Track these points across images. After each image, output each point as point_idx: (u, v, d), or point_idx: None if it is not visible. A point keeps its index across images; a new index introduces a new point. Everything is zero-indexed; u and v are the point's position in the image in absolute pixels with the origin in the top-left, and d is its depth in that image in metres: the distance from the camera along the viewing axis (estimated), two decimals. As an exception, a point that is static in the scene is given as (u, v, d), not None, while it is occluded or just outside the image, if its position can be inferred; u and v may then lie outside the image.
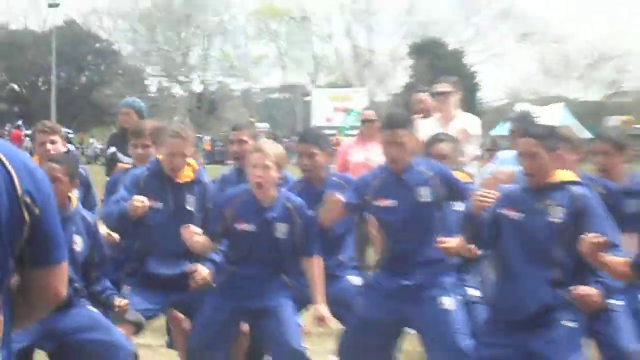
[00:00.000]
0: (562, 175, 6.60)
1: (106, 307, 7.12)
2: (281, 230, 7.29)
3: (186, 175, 7.74)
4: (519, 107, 12.51)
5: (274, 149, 7.32)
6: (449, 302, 7.03)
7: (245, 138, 8.24)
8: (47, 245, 3.27)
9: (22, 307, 3.33)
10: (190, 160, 7.77)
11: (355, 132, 12.76)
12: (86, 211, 7.22)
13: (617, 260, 6.35)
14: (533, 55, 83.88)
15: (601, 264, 6.20)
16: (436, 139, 8.16)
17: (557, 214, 6.40)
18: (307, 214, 7.38)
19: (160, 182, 7.67)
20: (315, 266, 7.29)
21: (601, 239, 5.92)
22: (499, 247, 6.72)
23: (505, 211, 6.60)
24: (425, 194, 7.05)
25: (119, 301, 7.01)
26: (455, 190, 7.14)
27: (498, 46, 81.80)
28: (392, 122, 7.28)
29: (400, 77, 79.38)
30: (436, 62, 64.50)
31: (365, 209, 7.45)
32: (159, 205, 7.63)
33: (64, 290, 3.39)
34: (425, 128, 10.00)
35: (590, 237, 5.94)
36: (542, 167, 6.50)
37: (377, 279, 7.36)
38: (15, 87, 75.35)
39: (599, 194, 6.89)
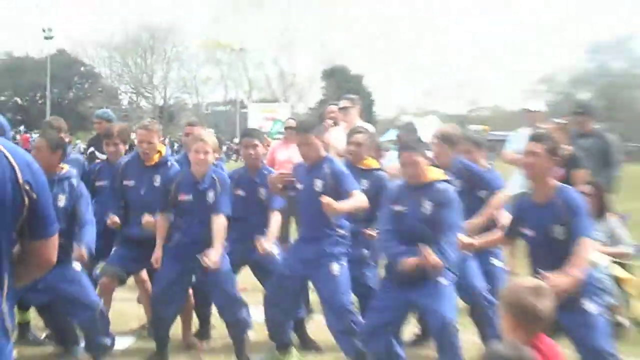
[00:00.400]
0: (432, 174, 6.66)
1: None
2: (210, 196, 7.31)
3: (154, 159, 7.82)
4: (404, 119, 12.64)
5: (211, 138, 7.44)
6: (336, 268, 7.05)
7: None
8: (41, 222, 3.26)
9: (22, 270, 3.31)
10: (160, 147, 7.93)
11: (281, 136, 12.82)
12: (75, 177, 7.23)
13: (491, 236, 6.54)
14: (414, 79, 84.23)
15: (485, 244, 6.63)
16: (354, 130, 8.15)
17: (426, 207, 6.49)
18: (227, 183, 7.43)
19: (135, 165, 7.85)
20: (218, 222, 7.22)
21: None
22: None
23: (393, 206, 6.68)
24: (318, 185, 7.06)
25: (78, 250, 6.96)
26: (341, 183, 7.04)
27: (387, 71, 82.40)
28: (302, 127, 7.35)
29: (315, 95, 79.66)
30: (342, 84, 64.60)
31: (292, 190, 7.46)
32: (132, 182, 7.84)
33: (54, 257, 3.38)
34: (334, 134, 10.03)
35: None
36: (421, 172, 6.57)
37: (294, 248, 7.43)
38: (18, 100, 74.39)
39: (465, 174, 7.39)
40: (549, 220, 5.88)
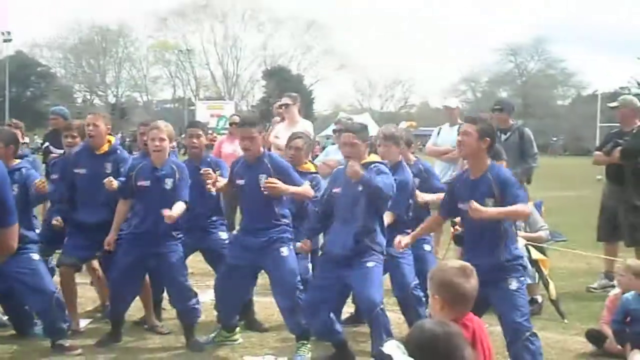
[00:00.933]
0: (370, 158, 6.75)
1: None
2: (168, 182, 7.24)
3: (104, 148, 7.74)
4: (341, 115, 12.74)
5: (167, 127, 7.39)
6: (285, 250, 7.05)
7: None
8: (3, 212, 3.24)
9: None
10: (109, 137, 7.85)
11: (226, 132, 12.82)
12: (24, 167, 7.23)
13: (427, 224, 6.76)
14: (348, 79, 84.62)
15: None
16: (294, 135, 8.16)
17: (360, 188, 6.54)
18: (185, 172, 7.34)
19: (86, 154, 7.73)
20: (178, 207, 7.10)
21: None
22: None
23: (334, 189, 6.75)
24: (262, 180, 6.98)
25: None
26: (288, 177, 7.03)
27: (324, 72, 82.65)
28: (245, 122, 7.33)
29: (257, 94, 79.58)
30: (283, 84, 64.47)
31: (232, 184, 7.34)
32: (83, 170, 7.69)
33: (15, 244, 3.36)
34: (277, 129, 10.06)
35: None
36: (358, 153, 6.61)
37: (240, 238, 7.29)
38: (-22, 99, 73.26)
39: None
40: (482, 194, 5.92)
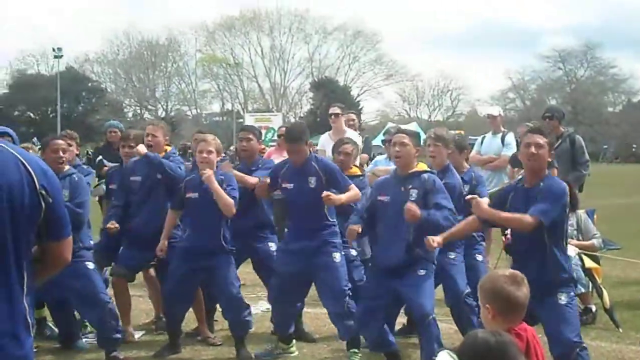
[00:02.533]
0: (419, 166, 6.73)
1: None
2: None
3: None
4: (389, 126, 12.77)
5: (215, 140, 7.44)
6: (338, 256, 7.06)
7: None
8: (57, 225, 3.28)
9: (41, 269, 3.32)
10: (167, 146, 8.05)
11: (274, 144, 12.90)
12: (75, 173, 7.28)
13: (463, 224, 6.43)
14: (396, 89, 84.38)
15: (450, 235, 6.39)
16: (342, 141, 8.15)
17: (413, 195, 6.52)
18: (234, 182, 7.36)
19: (142, 163, 7.82)
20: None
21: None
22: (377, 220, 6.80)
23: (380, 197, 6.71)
24: (312, 182, 7.05)
25: None
26: (334, 181, 7.08)
27: (372, 82, 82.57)
28: (290, 136, 7.32)
29: (305, 105, 79.76)
30: (330, 95, 64.44)
31: (278, 188, 7.38)
32: (138, 178, 7.87)
33: (69, 256, 3.41)
34: (322, 139, 10.09)
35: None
36: (408, 154, 6.61)
37: (288, 244, 7.29)
38: (31, 114, 74.23)
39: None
40: (530, 202, 5.77)
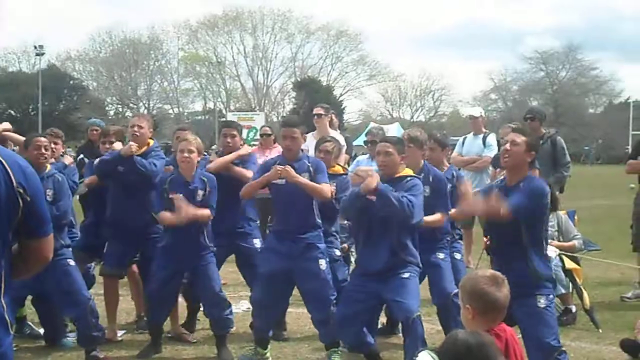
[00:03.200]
0: (404, 171, 6.72)
1: None
2: (199, 194, 7.27)
3: (143, 149, 7.80)
4: (371, 126, 12.72)
5: (196, 139, 7.44)
6: (323, 263, 7.05)
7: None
8: (37, 223, 3.25)
9: (21, 267, 3.30)
10: (149, 140, 7.97)
11: (257, 143, 12.91)
12: (57, 173, 7.25)
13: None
14: (378, 89, 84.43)
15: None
16: (323, 139, 8.16)
17: None
18: (214, 183, 7.37)
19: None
20: (204, 210, 7.19)
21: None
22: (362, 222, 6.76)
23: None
24: (305, 178, 6.99)
25: None
26: (318, 175, 7.04)
27: (354, 83, 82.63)
28: (288, 121, 7.47)
29: (288, 105, 79.63)
30: (313, 95, 64.40)
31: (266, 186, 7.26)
32: (121, 168, 7.71)
33: (50, 254, 3.38)
34: (307, 140, 10.08)
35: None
36: (393, 163, 6.61)
37: (274, 243, 7.22)
38: (12, 112, 73.79)
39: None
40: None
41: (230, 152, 8.00)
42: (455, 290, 7.02)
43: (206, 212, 7.18)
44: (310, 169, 7.06)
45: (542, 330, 5.67)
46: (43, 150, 7.14)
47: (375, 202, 6.44)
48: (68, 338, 7.76)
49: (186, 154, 7.24)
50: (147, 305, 7.71)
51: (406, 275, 6.53)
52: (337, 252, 7.70)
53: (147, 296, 7.65)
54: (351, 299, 6.71)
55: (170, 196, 7.17)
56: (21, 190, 3.11)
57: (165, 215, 7.18)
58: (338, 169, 8.01)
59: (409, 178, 6.67)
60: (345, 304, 6.77)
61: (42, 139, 7.28)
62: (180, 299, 8.04)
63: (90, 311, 7.04)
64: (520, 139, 5.89)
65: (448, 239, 7.47)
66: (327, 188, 7.08)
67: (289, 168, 6.88)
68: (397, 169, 6.68)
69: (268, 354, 7.36)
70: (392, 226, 6.50)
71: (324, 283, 7.00)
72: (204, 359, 7.44)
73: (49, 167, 7.23)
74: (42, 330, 7.92)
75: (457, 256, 7.76)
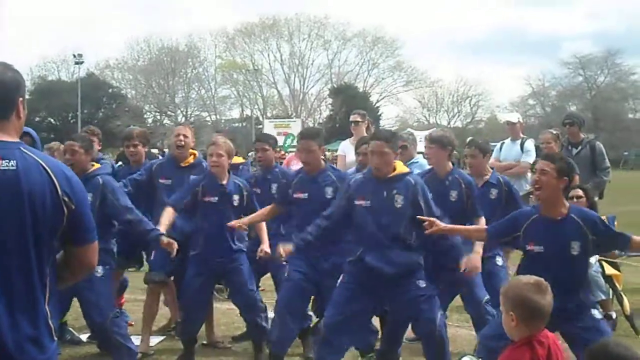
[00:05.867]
0: (399, 168, 6.42)
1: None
2: (235, 199, 7.26)
3: (189, 160, 7.86)
4: (406, 131, 12.59)
5: (225, 143, 7.36)
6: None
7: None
8: (81, 230, 3.29)
9: (66, 273, 3.36)
10: (193, 150, 8.00)
11: (293, 150, 12.93)
12: (102, 175, 6.80)
13: (471, 228, 6.37)
14: (415, 95, 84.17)
15: (456, 231, 6.28)
16: (362, 141, 7.81)
17: (399, 202, 6.29)
18: (249, 188, 7.42)
19: (171, 165, 7.81)
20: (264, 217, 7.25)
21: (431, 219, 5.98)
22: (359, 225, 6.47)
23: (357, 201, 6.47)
24: (329, 193, 6.93)
25: None
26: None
27: (391, 89, 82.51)
28: (305, 134, 7.29)
29: (324, 111, 79.75)
30: (349, 101, 64.41)
31: (288, 201, 7.16)
32: (168, 182, 7.73)
33: (95, 261, 3.42)
34: (343, 145, 10.08)
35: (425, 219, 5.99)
36: (387, 163, 6.33)
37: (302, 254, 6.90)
38: (52, 120, 74.62)
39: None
40: (568, 237, 5.58)
41: (264, 165, 8.02)
42: (487, 298, 6.98)
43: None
44: (337, 183, 6.93)
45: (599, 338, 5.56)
46: (67, 155, 6.78)
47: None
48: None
49: (215, 158, 7.21)
50: (182, 314, 7.59)
51: (422, 283, 6.33)
52: None
53: (182, 306, 7.60)
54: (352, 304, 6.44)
55: (206, 199, 7.17)
56: (66, 199, 3.16)
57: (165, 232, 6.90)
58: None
59: (410, 178, 6.40)
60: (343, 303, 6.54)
61: (71, 142, 6.87)
62: (217, 305, 8.05)
63: (111, 324, 6.62)
64: (549, 166, 5.61)
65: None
66: None
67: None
68: (391, 167, 6.37)
69: None
70: (401, 228, 6.30)
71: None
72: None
73: (95, 165, 6.97)
74: (83, 336, 7.95)
75: (499, 261, 7.46)
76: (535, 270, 4.93)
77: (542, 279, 3.97)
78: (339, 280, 6.48)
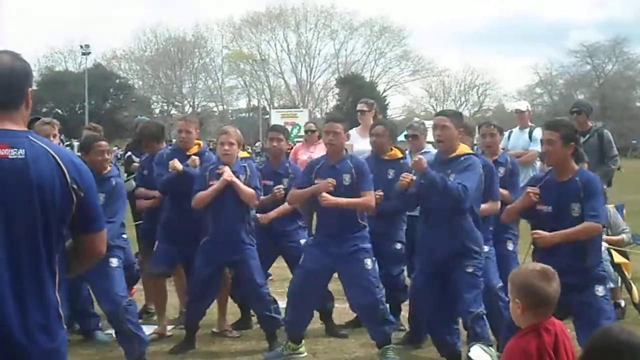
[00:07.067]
0: (460, 149, 6.64)
1: None
2: (241, 179, 7.23)
3: (193, 149, 7.88)
4: (414, 120, 12.57)
5: (236, 132, 7.48)
6: (369, 263, 6.99)
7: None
8: (90, 218, 3.30)
9: (75, 261, 3.37)
10: (197, 140, 8.04)
11: (301, 139, 12.94)
12: (115, 177, 7.17)
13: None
14: (422, 84, 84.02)
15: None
16: (375, 123, 8.20)
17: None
18: (255, 170, 7.47)
19: (177, 156, 7.71)
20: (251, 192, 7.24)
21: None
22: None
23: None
24: (346, 179, 6.99)
25: None
26: (360, 180, 6.99)
27: (398, 79, 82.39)
28: (331, 117, 7.54)
29: (331, 101, 79.69)
30: (356, 91, 64.31)
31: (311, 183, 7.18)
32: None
33: (104, 249, 3.43)
34: (351, 136, 10.07)
35: None
36: (450, 137, 6.57)
37: (319, 242, 7.15)
38: (59, 111, 74.67)
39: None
40: (568, 198, 5.86)
41: (276, 155, 8.09)
42: (500, 284, 6.98)
43: (249, 190, 7.20)
44: (353, 170, 7.00)
45: (602, 318, 5.68)
46: (106, 156, 7.13)
47: (423, 185, 6.44)
48: (103, 333, 7.85)
49: (226, 147, 7.29)
50: (187, 301, 7.66)
51: (470, 269, 6.50)
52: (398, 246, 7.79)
53: (189, 293, 7.66)
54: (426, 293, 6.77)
55: (218, 171, 7.23)
56: (75, 187, 3.17)
57: (201, 193, 7.20)
58: (396, 152, 7.96)
59: (465, 156, 6.58)
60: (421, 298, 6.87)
61: (103, 142, 7.23)
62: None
63: (123, 311, 6.77)
64: (554, 135, 5.88)
65: (491, 229, 7.24)
66: (371, 197, 7.04)
67: (326, 196, 6.86)
68: (454, 144, 6.59)
69: (302, 349, 7.31)
70: (449, 210, 6.45)
71: (369, 284, 6.95)
72: (253, 352, 7.46)
73: (109, 168, 7.19)
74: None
75: (510, 246, 7.62)
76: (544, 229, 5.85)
77: (548, 267, 3.96)
78: None
